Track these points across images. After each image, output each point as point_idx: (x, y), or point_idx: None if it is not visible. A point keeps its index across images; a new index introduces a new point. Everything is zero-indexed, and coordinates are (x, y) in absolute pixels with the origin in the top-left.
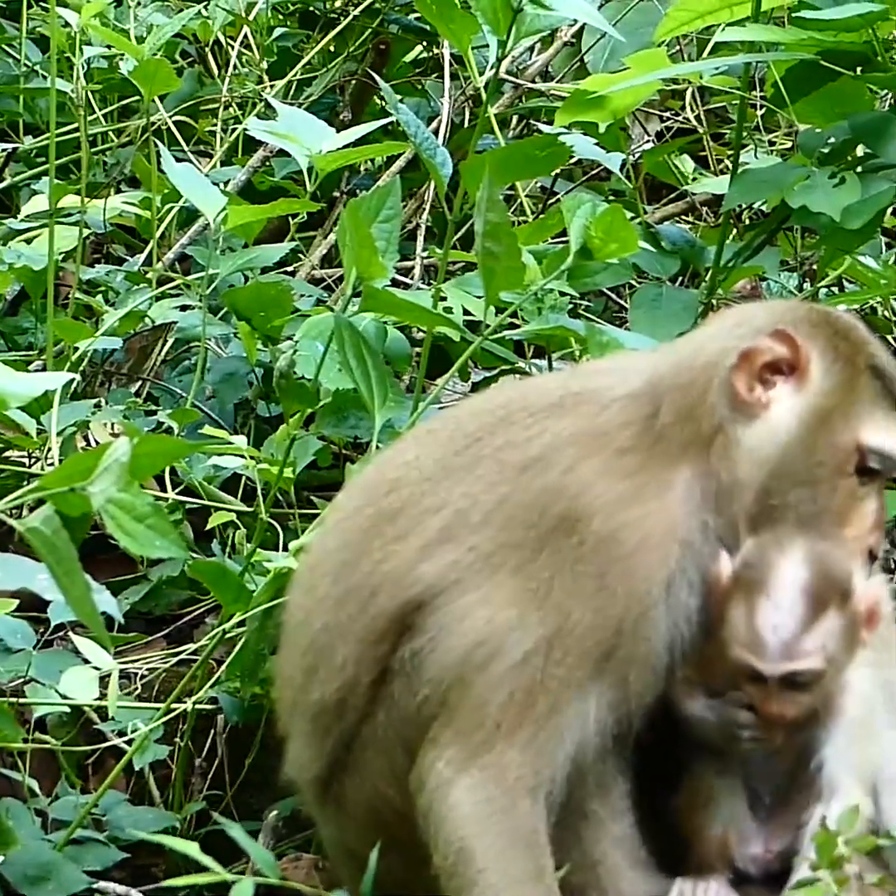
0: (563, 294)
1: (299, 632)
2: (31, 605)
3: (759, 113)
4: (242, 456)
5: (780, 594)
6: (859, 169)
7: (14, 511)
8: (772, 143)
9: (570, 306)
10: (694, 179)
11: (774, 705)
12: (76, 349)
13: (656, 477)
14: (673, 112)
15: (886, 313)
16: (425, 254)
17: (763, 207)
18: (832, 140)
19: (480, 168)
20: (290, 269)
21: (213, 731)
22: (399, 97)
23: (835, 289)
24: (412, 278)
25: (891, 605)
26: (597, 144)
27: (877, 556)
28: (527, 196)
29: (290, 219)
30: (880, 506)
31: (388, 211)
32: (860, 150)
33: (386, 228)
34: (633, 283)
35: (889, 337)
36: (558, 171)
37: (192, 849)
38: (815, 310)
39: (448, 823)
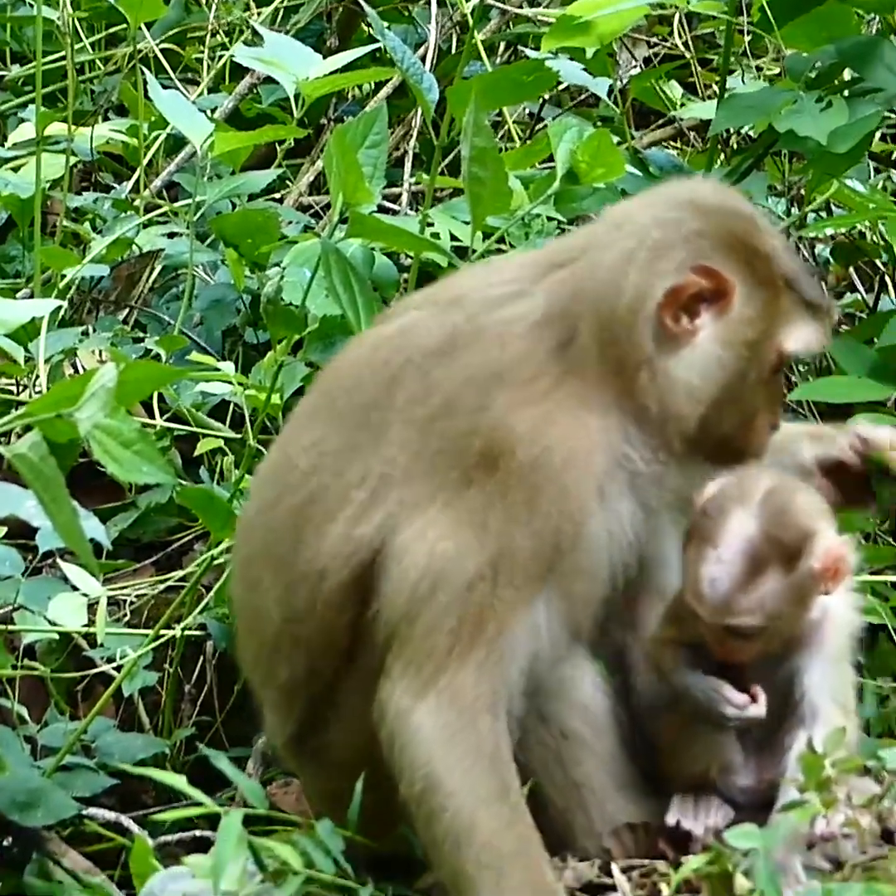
0: (550, 219)
1: (255, 626)
2: (19, 532)
3: (746, 39)
4: (230, 382)
5: (724, 548)
6: (846, 93)
7: (2, 438)
8: (759, 69)
9: (558, 231)
10: (682, 105)
11: (723, 649)
12: (64, 277)
13: (571, 398)
14: (660, 38)
15: (874, 237)
16: (413, 180)
17: (751, 132)
18: (819, 64)
19: (467, 93)
20: (277, 196)
21: (202, 658)
22: (386, 24)
23: (822, 214)
24: (400, 205)
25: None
26: (584, 70)
27: (778, 427)
28: (514, 122)
29: (277, 145)
30: (781, 388)
31: (375, 136)
32: (847, 75)
33: (372, 154)
34: None
35: (877, 261)
36: (546, 97)
37: (179, 781)
38: (725, 228)
39: (410, 750)
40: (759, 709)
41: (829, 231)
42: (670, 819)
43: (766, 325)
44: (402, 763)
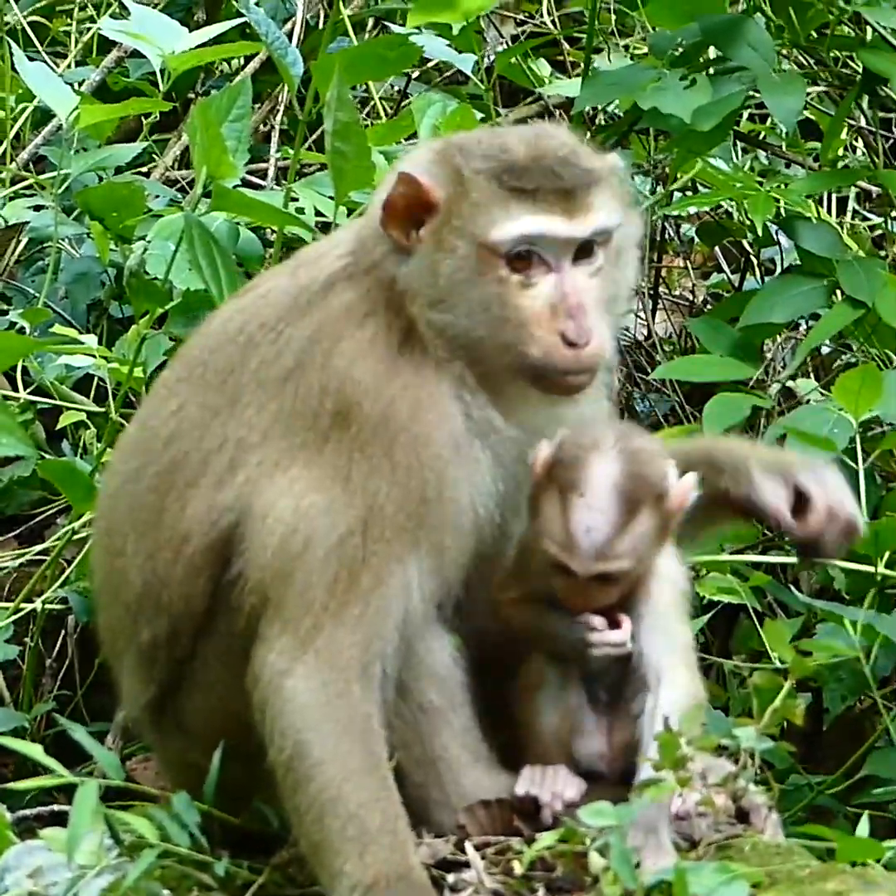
0: None
1: (117, 590)
2: None
3: (613, 17)
4: (93, 355)
5: (594, 496)
6: (711, 71)
7: None
8: (627, 48)
9: None
10: (549, 83)
11: (584, 598)
12: None
13: (402, 344)
14: (528, 15)
15: (740, 217)
16: (279, 155)
17: (617, 111)
18: (684, 42)
19: (331, 68)
20: (144, 170)
21: (63, 632)
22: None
23: (688, 193)
24: (267, 180)
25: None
26: (449, 46)
27: (573, 341)
28: (381, 99)
29: (143, 119)
30: (563, 292)
31: (239, 110)
32: (712, 53)
33: (236, 128)
34: None
35: (744, 240)
36: (414, 74)
37: (36, 752)
38: (446, 142)
39: (284, 715)
40: (623, 634)
41: (694, 210)
42: (519, 789)
43: (469, 222)
44: (274, 729)
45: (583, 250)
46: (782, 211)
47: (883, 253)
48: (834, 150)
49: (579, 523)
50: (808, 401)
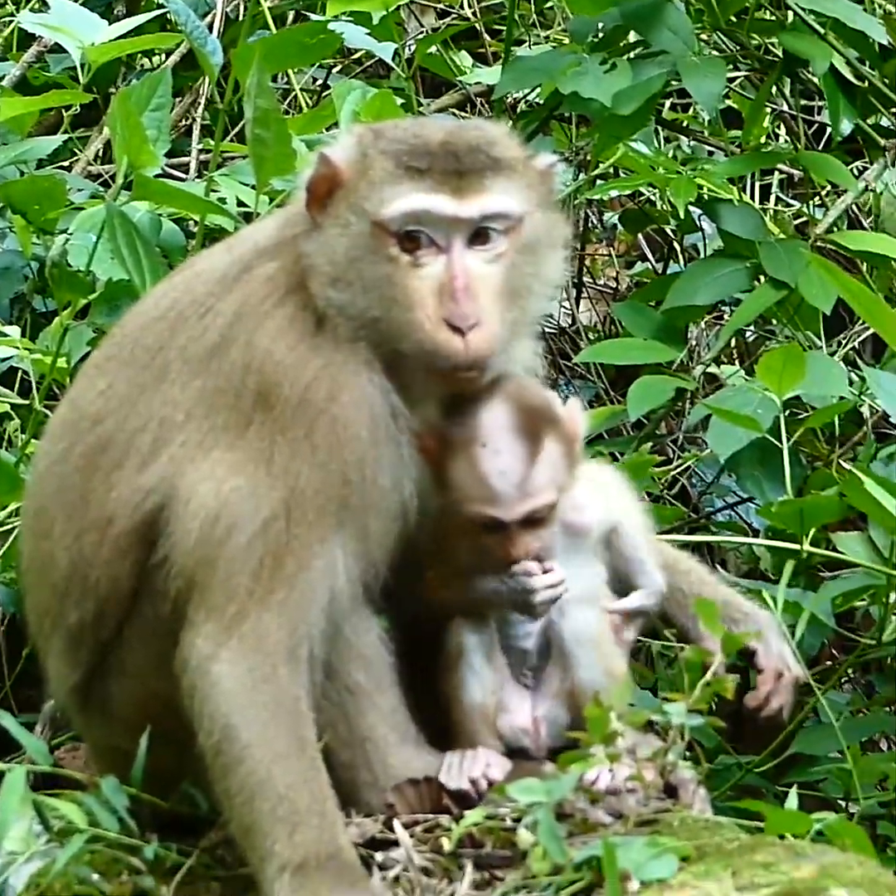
0: None
1: (44, 572)
2: None
3: (532, 5)
4: (16, 347)
5: (495, 439)
6: (631, 56)
7: None
8: (548, 40)
9: None
10: (471, 73)
11: (518, 547)
12: None
13: (319, 324)
14: (448, 5)
15: (663, 205)
16: (200, 147)
17: (539, 101)
18: (603, 27)
19: (251, 56)
20: (65, 164)
21: None
22: None
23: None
24: (188, 174)
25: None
26: (369, 35)
27: (459, 327)
28: (303, 90)
29: (64, 112)
30: (451, 274)
31: (159, 99)
32: (632, 38)
33: (156, 117)
34: None
35: (666, 227)
36: (335, 66)
37: None
38: (367, 126)
39: (211, 700)
40: (559, 573)
41: (616, 194)
42: (441, 776)
43: (364, 200)
44: (202, 713)
45: (478, 235)
46: (705, 196)
47: (806, 235)
48: (756, 136)
49: (491, 471)
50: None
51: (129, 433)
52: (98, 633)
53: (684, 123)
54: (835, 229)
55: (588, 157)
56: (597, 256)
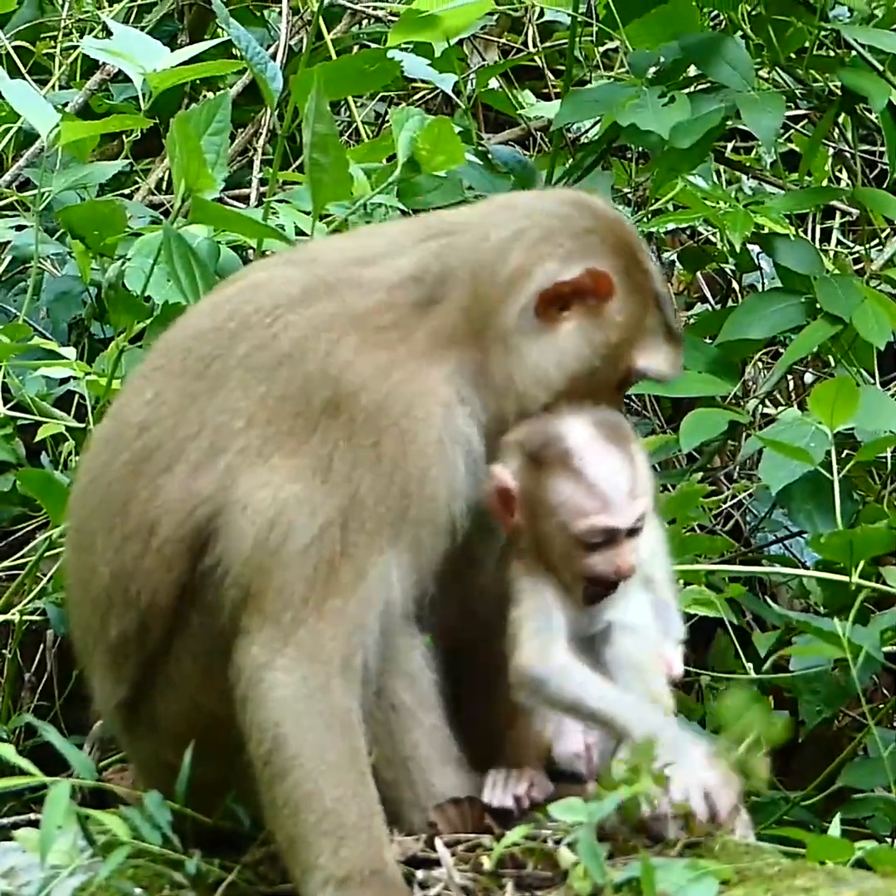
0: (393, 209)
1: (87, 585)
2: None
3: (594, 38)
4: (72, 369)
5: (591, 449)
6: (690, 90)
7: None
8: (610, 76)
9: None
10: (531, 106)
11: (626, 560)
12: None
13: (417, 350)
14: (512, 44)
15: (722, 245)
16: (261, 175)
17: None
18: (663, 60)
19: (310, 81)
20: (127, 193)
21: (41, 645)
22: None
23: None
24: (249, 205)
25: None
26: (430, 67)
27: None
28: (364, 123)
29: (124, 138)
30: (619, 405)
31: (218, 124)
32: (692, 72)
33: (215, 141)
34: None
35: (726, 267)
36: (398, 101)
37: (8, 752)
38: (615, 234)
39: (264, 708)
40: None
41: (675, 232)
42: (484, 797)
43: (629, 336)
44: (254, 722)
45: None
46: (763, 231)
47: (863, 273)
48: (817, 179)
49: (600, 477)
50: None
51: (180, 440)
52: (141, 646)
53: (747, 164)
54: (892, 265)
55: (647, 194)
56: None
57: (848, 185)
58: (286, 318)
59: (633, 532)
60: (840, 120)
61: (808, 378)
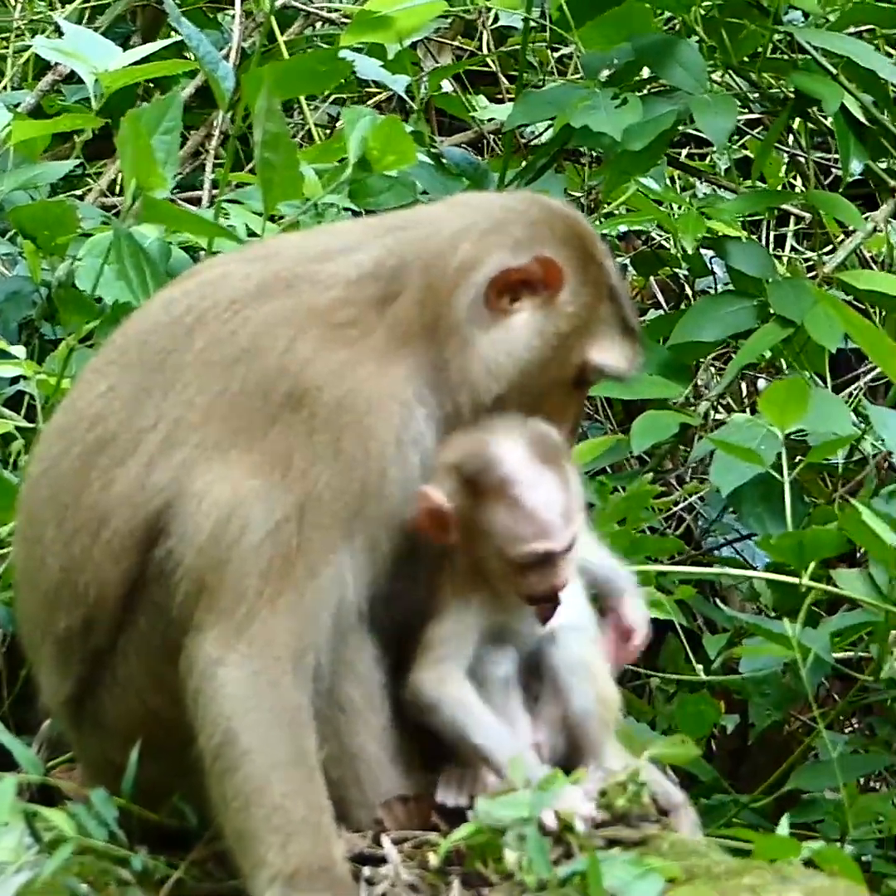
0: (345, 209)
1: (35, 578)
2: None
3: (552, 54)
4: (21, 368)
5: (525, 474)
6: (643, 92)
7: None
8: (564, 81)
9: None
10: (483, 108)
11: (562, 576)
12: None
13: (377, 348)
14: (466, 47)
15: (675, 250)
16: (213, 176)
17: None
18: (616, 62)
19: (261, 80)
20: (79, 194)
21: None
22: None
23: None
24: (201, 207)
25: None
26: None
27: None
28: (316, 125)
29: (76, 138)
30: (579, 412)
31: (169, 123)
32: (645, 74)
33: (166, 140)
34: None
35: (679, 271)
36: (351, 103)
37: None
38: (567, 225)
39: (215, 703)
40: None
41: (624, 230)
42: (438, 796)
43: (581, 327)
44: (205, 716)
45: None
46: (716, 235)
47: (815, 276)
48: (771, 182)
49: (537, 505)
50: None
51: (135, 433)
52: (87, 642)
53: (701, 169)
54: (845, 269)
55: (600, 197)
56: None
57: (801, 192)
58: (244, 314)
59: (568, 550)
60: (795, 125)
61: (761, 384)
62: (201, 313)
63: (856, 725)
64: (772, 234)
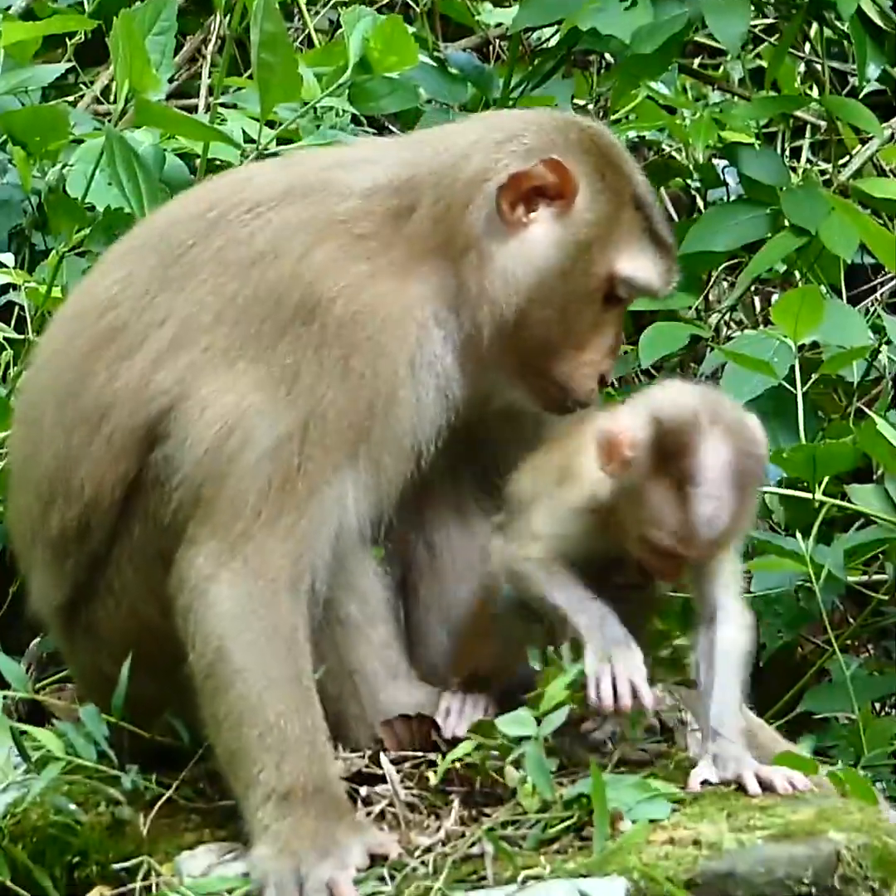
0: (345, 112)
1: (29, 466)
2: None
3: None
4: (11, 277)
5: (713, 485)
6: None
7: None
8: None
9: (353, 127)
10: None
11: (677, 573)
12: None
13: (395, 263)
14: None
15: (686, 159)
16: (209, 81)
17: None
18: None
19: None
20: (71, 99)
21: None
22: None
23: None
24: (197, 113)
25: None
26: None
27: (608, 382)
28: (316, 31)
29: (68, 41)
30: (617, 333)
31: (164, 23)
32: None
33: (160, 41)
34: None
35: (690, 183)
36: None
37: None
38: (585, 133)
39: (207, 621)
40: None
41: (633, 136)
42: (440, 719)
43: (603, 235)
44: (196, 634)
45: None
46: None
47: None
48: (785, 91)
49: (701, 516)
50: None
51: (144, 326)
52: (82, 546)
53: (714, 78)
54: (861, 177)
55: (608, 105)
56: None
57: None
58: (265, 216)
59: (700, 560)
60: (811, 34)
61: (775, 299)
62: (224, 212)
63: (871, 651)
64: (787, 145)
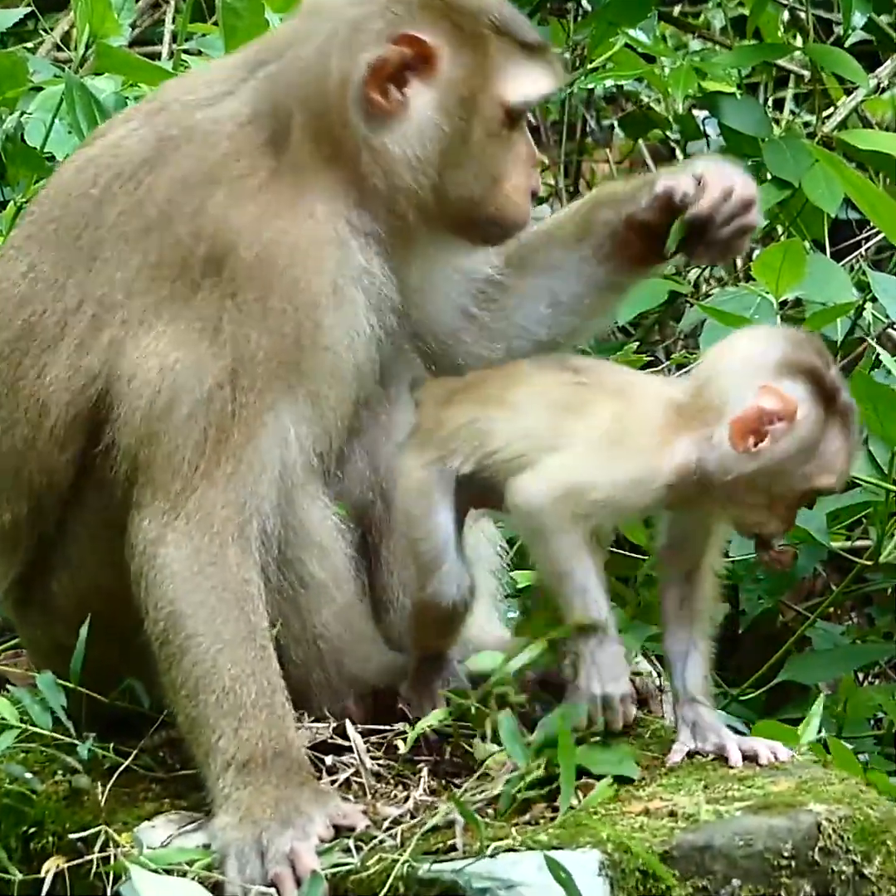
0: None
1: None
2: None
3: None
4: None
5: (850, 420)
6: None
7: None
8: None
9: None
10: None
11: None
12: None
13: (284, 194)
14: None
15: (665, 110)
16: (173, 28)
17: None
18: None
19: None
20: (30, 46)
21: None
22: None
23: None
24: (160, 61)
25: None
26: None
27: (538, 192)
28: None
29: None
30: (528, 143)
31: None
32: None
33: None
34: None
35: (669, 134)
36: None
37: None
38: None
39: (157, 585)
40: None
41: (611, 85)
42: (401, 703)
43: (480, 80)
44: (149, 600)
45: None
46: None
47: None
48: (768, 40)
49: (852, 451)
50: None
51: (61, 315)
52: (36, 527)
53: (695, 26)
54: (845, 128)
55: (585, 53)
56: (596, 166)
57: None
58: (146, 183)
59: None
60: None
61: (756, 254)
62: (107, 184)
63: (853, 618)
64: (770, 96)
